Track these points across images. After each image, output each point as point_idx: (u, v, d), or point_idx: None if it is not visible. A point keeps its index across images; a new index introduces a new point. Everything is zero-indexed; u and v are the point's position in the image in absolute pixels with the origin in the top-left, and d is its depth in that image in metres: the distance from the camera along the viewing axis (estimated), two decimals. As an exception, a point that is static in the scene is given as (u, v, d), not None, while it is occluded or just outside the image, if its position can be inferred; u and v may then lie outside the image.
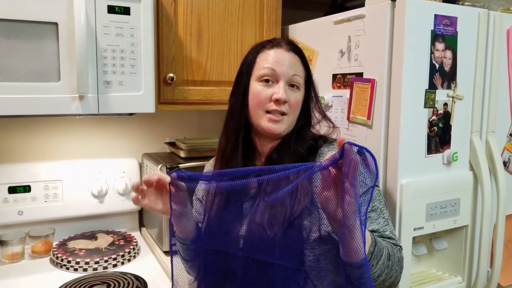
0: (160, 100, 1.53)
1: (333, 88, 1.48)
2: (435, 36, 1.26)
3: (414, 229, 1.30)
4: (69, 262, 1.46)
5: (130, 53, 1.36)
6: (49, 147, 1.75)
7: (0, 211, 1.56)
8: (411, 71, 1.24)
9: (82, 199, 1.68)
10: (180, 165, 1.58)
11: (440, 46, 1.28)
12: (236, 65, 1.62)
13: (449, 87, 1.32)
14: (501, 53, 1.41)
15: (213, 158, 1.26)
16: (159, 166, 1.57)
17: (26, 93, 1.25)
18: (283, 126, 1.08)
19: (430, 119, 1.30)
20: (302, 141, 1.11)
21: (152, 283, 1.38)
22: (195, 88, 1.59)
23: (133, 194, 1.04)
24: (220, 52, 1.61)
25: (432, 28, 1.26)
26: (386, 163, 1.29)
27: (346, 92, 1.42)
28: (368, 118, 1.33)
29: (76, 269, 1.44)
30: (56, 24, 1.26)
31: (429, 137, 1.30)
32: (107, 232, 1.71)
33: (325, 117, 1.18)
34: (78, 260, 1.46)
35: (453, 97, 1.33)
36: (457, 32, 1.30)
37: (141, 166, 1.83)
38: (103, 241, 1.62)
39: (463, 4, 1.42)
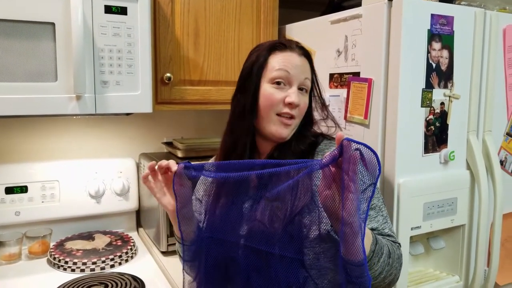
0: (157, 100, 1.52)
1: (330, 87, 1.48)
2: (432, 36, 1.27)
3: (412, 229, 1.30)
4: (66, 262, 1.46)
5: (127, 53, 1.36)
6: (46, 147, 1.75)
7: (-3, 212, 1.55)
8: (408, 71, 1.24)
9: (79, 200, 1.68)
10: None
11: (436, 45, 1.28)
12: (233, 65, 1.64)
13: (445, 87, 1.32)
14: (497, 53, 1.42)
15: (212, 158, 1.26)
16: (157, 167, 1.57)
17: (23, 93, 1.25)
18: (290, 131, 1.09)
19: (427, 118, 1.30)
20: (303, 139, 1.12)
21: (149, 283, 1.37)
22: (192, 88, 1.59)
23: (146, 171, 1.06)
24: (217, 52, 1.61)
25: (429, 28, 1.26)
26: (383, 162, 1.30)
27: (343, 92, 1.42)
28: (365, 117, 1.33)
29: (73, 270, 1.44)
30: (53, 24, 1.26)
31: (426, 136, 1.31)
32: (105, 233, 1.71)
33: (330, 118, 1.18)
34: (75, 260, 1.45)
35: (449, 97, 1.33)
36: (453, 32, 1.31)
37: (138, 166, 1.82)
38: (101, 241, 1.61)
39: (459, 4, 1.43)
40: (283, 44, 1.10)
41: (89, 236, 1.67)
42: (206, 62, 1.60)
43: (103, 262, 1.47)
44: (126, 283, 1.36)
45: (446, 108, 1.33)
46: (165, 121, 1.95)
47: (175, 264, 1.46)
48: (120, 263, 1.50)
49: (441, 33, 1.28)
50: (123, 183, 1.72)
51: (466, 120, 1.39)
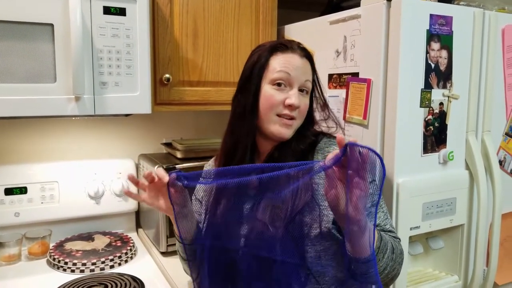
0: (156, 101, 1.52)
1: (329, 88, 1.48)
2: (431, 36, 1.27)
3: (411, 229, 1.30)
4: (66, 263, 1.46)
5: (126, 54, 1.36)
6: (45, 148, 1.75)
7: (-4, 213, 1.56)
8: (407, 71, 1.24)
9: (78, 200, 1.68)
10: (176, 166, 1.58)
11: (435, 45, 1.28)
12: (232, 66, 1.64)
13: (444, 87, 1.32)
14: (496, 53, 1.42)
15: (212, 159, 1.26)
16: (156, 167, 1.57)
17: (22, 95, 1.25)
18: (291, 131, 1.09)
19: (426, 119, 1.30)
20: (304, 139, 1.12)
21: (149, 284, 1.37)
22: (191, 88, 1.59)
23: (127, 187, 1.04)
24: (216, 53, 1.61)
25: (428, 28, 1.26)
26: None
27: (342, 92, 1.42)
28: (364, 117, 1.33)
29: (73, 271, 1.44)
30: (51, 25, 1.26)
31: (425, 137, 1.31)
32: (104, 233, 1.71)
33: (331, 118, 1.18)
34: (75, 261, 1.45)
35: (448, 97, 1.33)
36: (452, 32, 1.31)
37: (137, 167, 1.82)
38: (100, 242, 1.61)
39: (458, 4, 1.43)
40: (284, 45, 1.10)
41: (88, 237, 1.67)
42: (205, 62, 1.60)
43: (103, 262, 1.47)
44: (125, 284, 1.36)
45: (445, 108, 1.33)
46: (164, 122, 1.95)
47: (174, 264, 1.46)
48: (119, 264, 1.50)
49: (440, 33, 1.28)
50: (123, 184, 1.72)
51: (465, 120, 1.39)
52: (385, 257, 0.96)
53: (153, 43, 1.49)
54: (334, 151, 0.83)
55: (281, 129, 1.07)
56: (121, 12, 1.34)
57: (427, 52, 1.27)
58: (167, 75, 1.51)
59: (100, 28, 1.32)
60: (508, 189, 1.50)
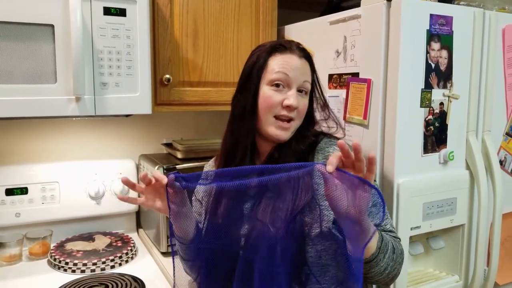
0: (157, 101, 1.52)
1: (329, 88, 1.48)
2: (431, 36, 1.27)
3: (411, 229, 1.30)
4: (66, 263, 1.46)
5: (126, 55, 1.36)
6: (46, 149, 1.75)
7: (-3, 213, 1.56)
8: (407, 71, 1.24)
9: (79, 201, 1.68)
10: (177, 166, 1.58)
11: (435, 45, 1.28)
12: (232, 66, 1.64)
13: (445, 87, 1.32)
14: (496, 52, 1.42)
15: (212, 159, 1.26)
16: (156, 167, 1.58)
17: (22, 95, 1.25)
18: (289, 133, 1.09)
19: (426, 119, 1.30)
20: (304, 139, 1.12)
21: (150, 284, 1.37)
22: (192, 89, 1.59)
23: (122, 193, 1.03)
24: (216, 53, 1.61)
25: (428, 28, 1.26)
26: (383, 162, 1.30)
27: (342, 92, 1.42)
28: (365, 118, 1.33)
29: (73, 271, 1.44)
30: (52, 26, 1.26)
31: (425, 137, 1.31)
32: (105, 234, 1.71)
33: (332, 118, 1.18)
34: (75, 261, 1.46)
35: (449, 97, 1.33)
36: (452, 32, 1.31)
37: (138, 167, 1.82)
38: (101, 242, 1.62)
39: (458, 4, 1.43)
40: (283, 46, 1.10)
41: (89, 237, 1.67)
42: (205, 63, 1.60)
43: (104, 263, 1.47)
44: (126, 284, 1.36)
45: (445, 108, 1.33)
46: (165, 122, 1.95)
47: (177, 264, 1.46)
48: (120, 264, 1.51)
49: (440, 33, 1.28)
50: (123, 184, 1.72)
51: (465, 120, 1.39)
52: (386, 257, 0.96)
53: (153, 43, 1.49)
54: (335, 153, 0.84)
55: (277, 131, 1.07)
56: (121, 12, 1.34)
57: (427, 52, 1.27)
58: (167, 76, 1.51)
59: (101, 28, 1.32)
60: (509, 189, 1.50)
